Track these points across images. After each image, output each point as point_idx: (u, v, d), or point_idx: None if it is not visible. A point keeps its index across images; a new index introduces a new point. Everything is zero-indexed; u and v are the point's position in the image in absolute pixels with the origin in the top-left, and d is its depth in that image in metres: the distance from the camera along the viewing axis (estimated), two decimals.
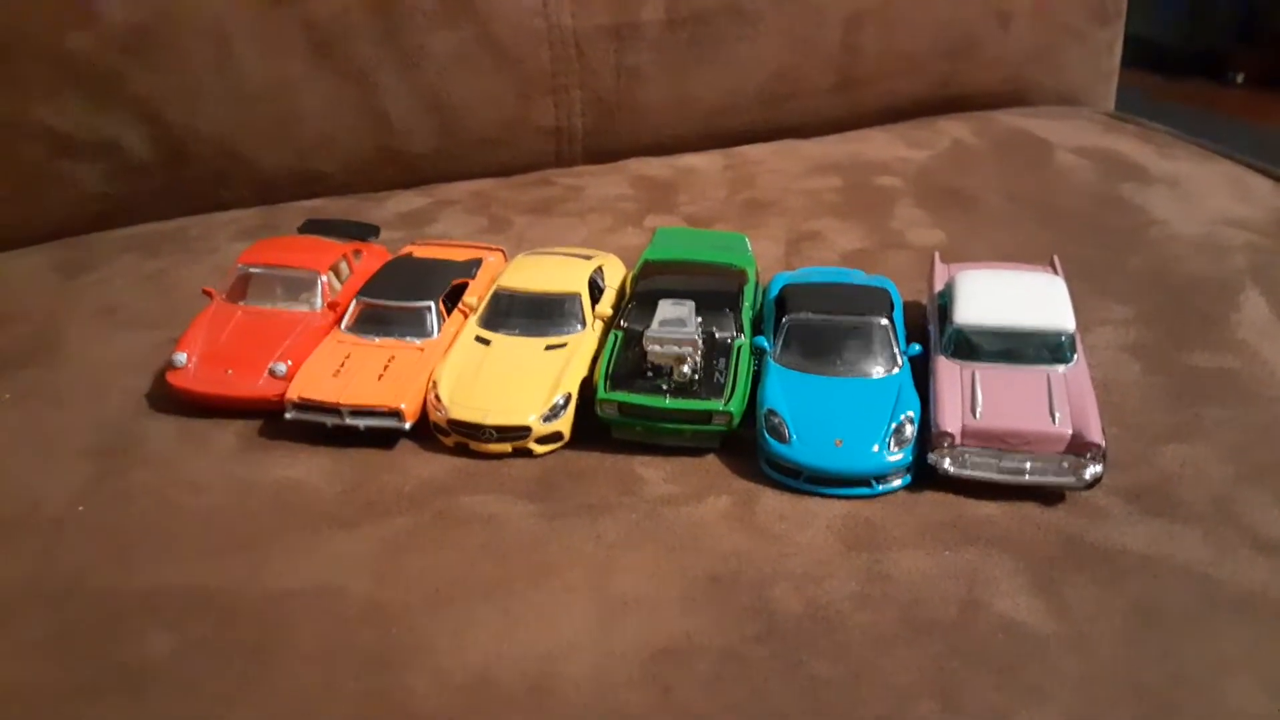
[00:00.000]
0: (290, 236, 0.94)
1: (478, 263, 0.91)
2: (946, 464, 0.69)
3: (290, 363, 0.78)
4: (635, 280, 0.85)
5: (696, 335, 0.74)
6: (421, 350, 0.80)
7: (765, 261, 0.98)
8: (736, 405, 0.73)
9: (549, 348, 0.80)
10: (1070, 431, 0.68)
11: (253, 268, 0.86)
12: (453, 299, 0.85)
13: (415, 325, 0.81)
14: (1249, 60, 3.33)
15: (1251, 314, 0.90)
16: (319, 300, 0.85)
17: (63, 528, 0.69)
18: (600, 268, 0.88)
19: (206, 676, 0.58)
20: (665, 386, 0.74)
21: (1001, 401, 0.71)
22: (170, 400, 0.80)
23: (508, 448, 0.74)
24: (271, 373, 0.78)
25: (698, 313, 0.77)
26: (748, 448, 0.74)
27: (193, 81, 1.11)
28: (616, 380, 0.75)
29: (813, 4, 1.30)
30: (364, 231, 0.97)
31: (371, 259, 0.92)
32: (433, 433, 0.76)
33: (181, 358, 0.80)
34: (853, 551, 0.65)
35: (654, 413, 0.73)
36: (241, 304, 0.85)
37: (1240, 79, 3.37)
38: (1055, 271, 0.86)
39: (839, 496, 0.70)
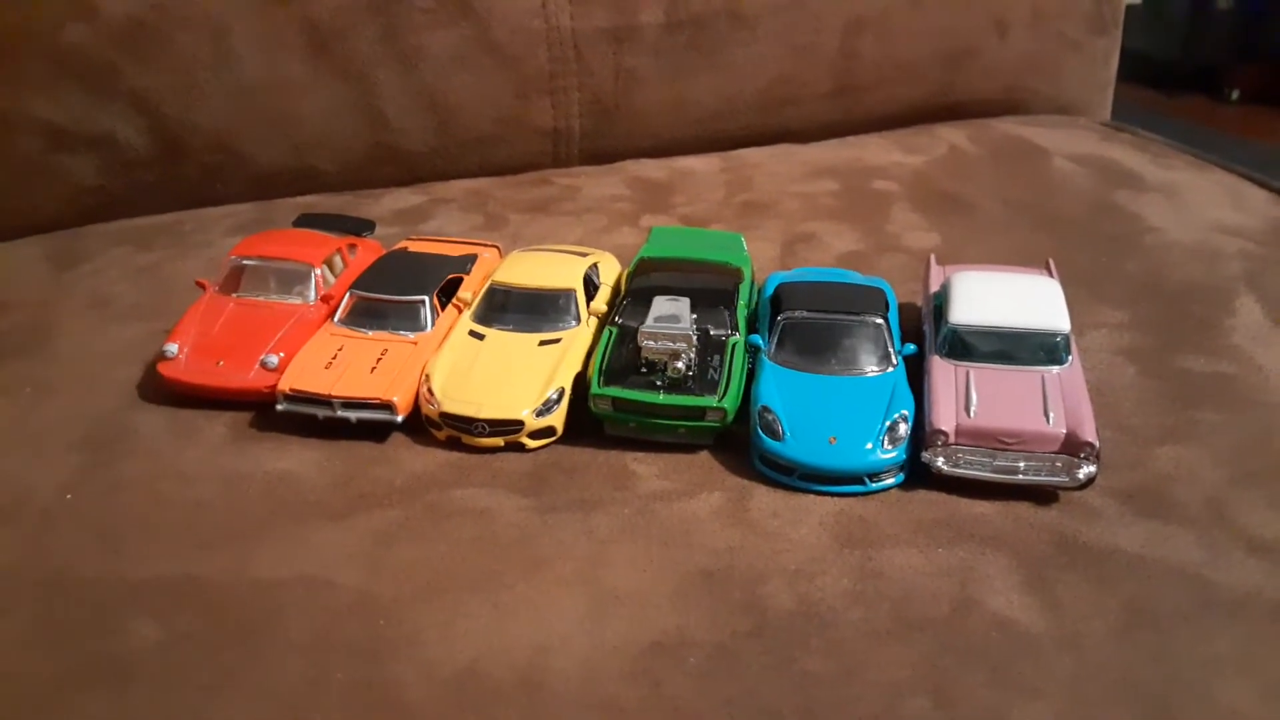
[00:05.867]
0: (285, 230, 0.94)
1: (473, 258, 0.91)
2: (940, 462, 0.69)
3: (282, 355, 0.78)
4: (631, 277, 0.85)
5: (691, 331, 0.74)
6: (415, 344, 0.79)
7: (761, 262, 0.98)
8: (730, 402, 0.73)
9: (543, 343, 0.79)
10: (1064, 431, 0.68)
11: (246, 260, 0.86)
12: (447, 294, 0.85)
13: (409, 319, 0.81)
14: (1245, 77, 3.36)
15: (1246, 320, 0.90)
16: (312, 293, 0.84)
17: (52, 518, 0.68)
18: (595, 264, 0.88)
19: (194, 667, 0.57)
20: (659, 382, 0.74)
21: (996, 401, 0.71)
22: (161, 391, 0.80)
23: (500, 442, 0.74)
24: (263, 364, 0.77)
25: (693, 310, 0.77)
26: (741, 444, 0.73)
27: (190, 76, 1.11)
28: (611, 375, 0.74)
29: (812, 10, 1.31)
30: (359, 226, 0.97)
31: (366, 253, 0.92)
32: (425, 426, 0.76)
33: (173, 349, 0.79)
34: (845, 548, 0.65)
35: (648, 408, 0.73)
36: (234, 296, 0.84)
37: (1235, 95, 3.39)
38: (1050, 274, 0.86)
39: (832, 494, 0.69)
